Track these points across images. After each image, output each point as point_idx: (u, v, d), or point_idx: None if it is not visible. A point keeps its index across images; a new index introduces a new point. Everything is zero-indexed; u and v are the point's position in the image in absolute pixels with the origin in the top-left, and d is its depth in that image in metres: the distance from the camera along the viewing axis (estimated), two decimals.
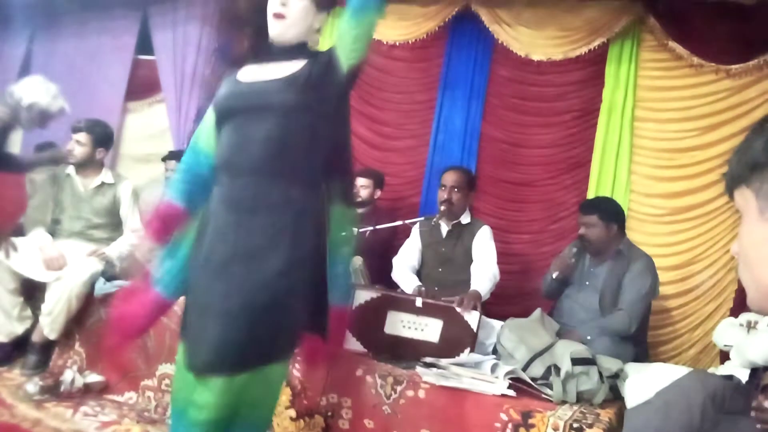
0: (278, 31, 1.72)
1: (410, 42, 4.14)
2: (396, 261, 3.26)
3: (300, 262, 1.65)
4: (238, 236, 1.64)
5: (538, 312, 2.69)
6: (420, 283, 3.06)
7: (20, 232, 3.26)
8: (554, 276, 3.00)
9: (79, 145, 3.28)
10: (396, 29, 4.17)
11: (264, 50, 1.75)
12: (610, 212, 2.98)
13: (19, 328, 3.06)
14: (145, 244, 1.83)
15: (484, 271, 2.98)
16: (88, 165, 3.32)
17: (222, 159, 1.74)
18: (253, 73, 1.73)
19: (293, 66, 1.67)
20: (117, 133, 5.02)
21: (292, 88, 1.63)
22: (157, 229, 1.81)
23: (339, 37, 1.66)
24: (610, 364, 2.36)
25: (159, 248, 1.80)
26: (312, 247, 1.69)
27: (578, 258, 3.01)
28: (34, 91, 3.27)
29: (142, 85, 5.15)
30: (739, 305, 3.25)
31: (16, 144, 5.40)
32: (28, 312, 3.10)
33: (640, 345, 2.94)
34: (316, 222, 1.72)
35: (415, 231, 3.34)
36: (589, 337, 2.71)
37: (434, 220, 3.18)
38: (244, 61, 1.77)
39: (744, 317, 2.82)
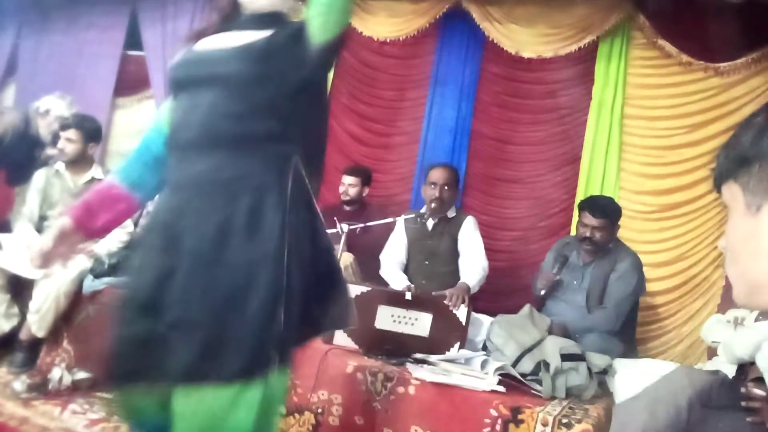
0: None
1: (401, 39, 4.13)
2: (383, 258, 3.26)
3: (259, 261, 1.31)
4: (177, 224, 1.35)
5: (527, 308, 2.70)
6: (409, 282, 3.07)
7: (7, 228, 3.23)
8: (541, 294, 2.99)
9: (69, 142, 3.26)
10: (387, 26, 4.17)
11: (234, 19, 1.50)
12: (617, 213, 2.97)
13: (6, 326, 3.03)
14: (66, 236, 1.43)
15: (473, 264, 3.00)
16: (79, 161, 3.29)
17: (168, 135, 1.47)
18: (210, 42, 1.49)
19: (256, 35, 1.43)
20: (106, 130, 4.97)
21: (246, 57, 1.39)
22: (80, 216, 1.44)
23: (310, 6, 1.40)
24: (598, 360, 2.38)
25: (85, 243, 1.51)
26: (277, 240, 1.33)
27: (564, 261, 3.00)
28: (50, 100, 3.32)
29: (131, 81, 5.11)
30: (727, 301, 3.27)
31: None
32: (15, 309, 3.07)
33: (628, 341, 2.97)
34: (282, 212, 1.36)
35: (400, 226, 3.33)
36: (576, 335, 2.73)
37: (425, 216, 3.18)
38: (209, 31, 1.52)
39: (731, 314, 2.84)
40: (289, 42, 1.41)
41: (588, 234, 2.90)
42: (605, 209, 2.93)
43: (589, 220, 2.90)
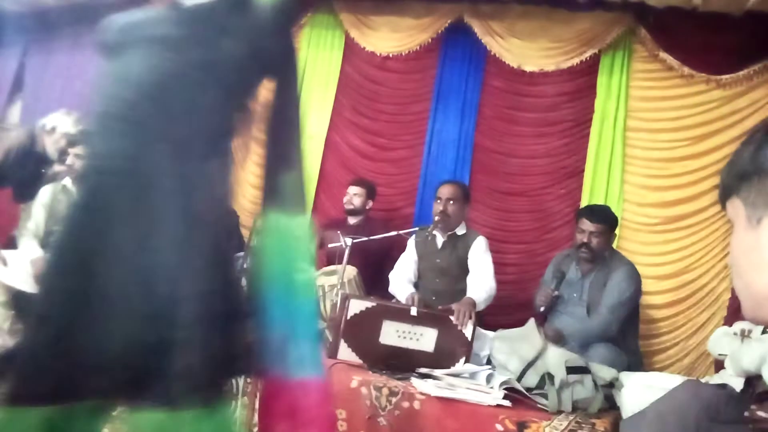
0: None
1: (403, 54, 4.16)
2: (392, 275, 3.26)
3: (183, 272, 1.13)
4: (86, 220, 1.18)
5: (531, 322, 2.70)
6: (414, 290, 3.07)
7: (12, 244, 3.24)
8: (541, 310, 3.00)
9: (78, 158, 3.27)
10: (389, 41, 4.20)
11: None
12: (613, 220, 3.04)
13: (10, 342, 3.03)
14: None
15: (481, 283, 2.99)
16: None
17: (94, 102, 1.28)
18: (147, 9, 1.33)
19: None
20: None
21: (183, 18, 1.23)
22: None
23: None
24: (604, 372, 2.36)
25: None
26: (199, 250, 1.14)
27: (562, 276, 3.02)
28: (56, 117, 3.35)
29: None
30: (734, 314, 3.26)
31: None
32: (19, 325, 3.07)
33: (633, 353, 2.96)
34: (214, 210, 1.20)
35: (411, 243, 3.34)
36: (580, 346, 2.73)
37: (429, 230, 3.18)
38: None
39: (738, 326, 2.82)
40: (239, 5, 1.25)
41: (585, 239, 2.94)
42: (602, 214, 3.00)
43: (587, 225, 2.95)
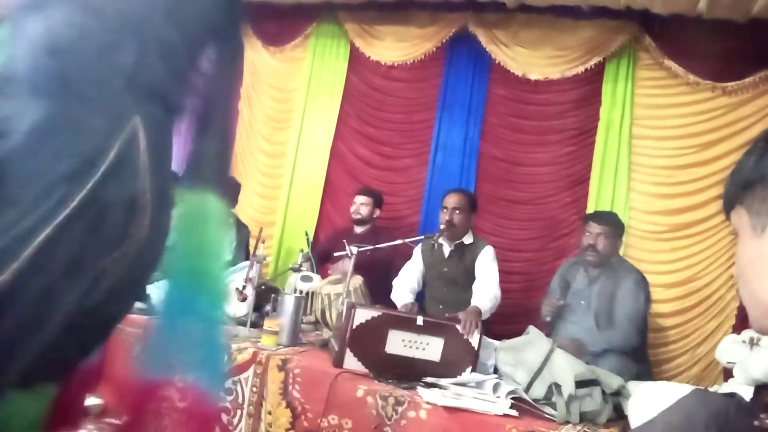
0: None
1: (408, 63, 4.18)
2: (396, 282, 3.26)
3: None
4: None
5: (533, 328, 2.69)
6: (412, 300, 3.06)
7: None
8: (547, 320, 3.01)
9: None
10: (394, 50, 4.21)
11: None
12: (620, 225, 3.06)
13: None
14: None
15: (485, 290, 2.99)
16: None
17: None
18: None
19: None
20: None
21: None
22: None
23: None
24: (611, 380, 2.35)
25: None
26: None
27: (567, 286, 3.02)
28: None
29: None
30: (742, 321, 3.24)
31: None
32: None
33: (643, 362, 2.94)
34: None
35: (417, 252, 3.35)
36: (592, 349, 2.73)
37: (435, 239, 3.18)
38: None
39: (746, 334, 2.80)
40: None
41: (592, 241, 2.95)
42: (608, 217, 3.05)
43: (593, 228, 2.97)
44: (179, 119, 1.10)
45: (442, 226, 3.18)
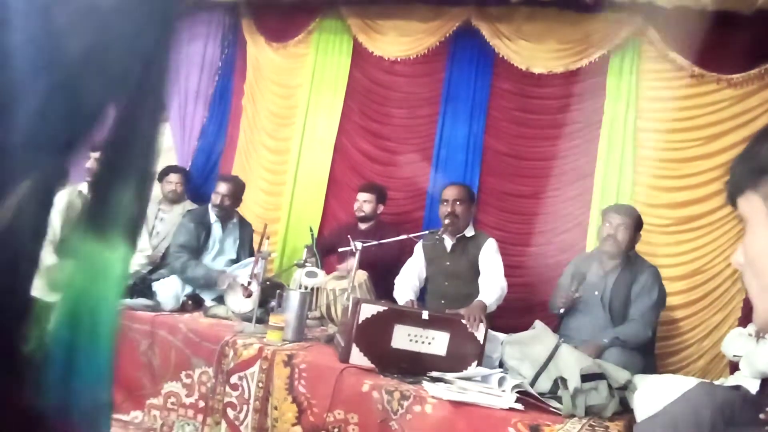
0: None
1: (411, 57, 4.16)
2: (397, 280, 3.27)
3: None
4: None
5: (539, 323, 2.70)
6: (412, 298, 3.07)
7: None
8: (560, 311, 3.01)
9: (97, 162, 3.29)
10: (397, 45, 4.20)
11: None
12: (638, 220, 3.06)
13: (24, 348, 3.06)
14: None
15: (492, 283, 2.99)
16: None
17: None
18: None
19: None
20: None
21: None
22: None
23: None
24: (618, 374, 2.35)
25: None
26: None
27: (583, 278, 3.01)
28: None
29: None
30: (748, 315, 3.22)
31: None
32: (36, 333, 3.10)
33: (649, 355, 2.96)
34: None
35: (418, 248, 3.35)
36: (606, 340, 2.74)
37: (438, 234, 3.19)
38: None
39: (752, 327, 2.80)
40: None
41: (612, 231, 2.96)
42: (628, 210, 3.06)
43: (614, 218, 2.98)
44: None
45: (446, 221, 3.17)
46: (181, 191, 4.17)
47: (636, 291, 2.91)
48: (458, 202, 3.19)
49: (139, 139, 0.94)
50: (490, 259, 3.14)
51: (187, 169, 4.55)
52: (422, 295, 3.32)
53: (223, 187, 3.67)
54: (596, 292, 2.98)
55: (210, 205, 3.70)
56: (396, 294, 3.20)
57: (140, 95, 0.90)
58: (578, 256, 3.26)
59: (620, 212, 3.01)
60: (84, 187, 3.34)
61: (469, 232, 3.25)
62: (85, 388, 0.88)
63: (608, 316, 2.92)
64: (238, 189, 3.77)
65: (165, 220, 4.05)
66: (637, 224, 3.02)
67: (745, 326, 2.90)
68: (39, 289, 0.83)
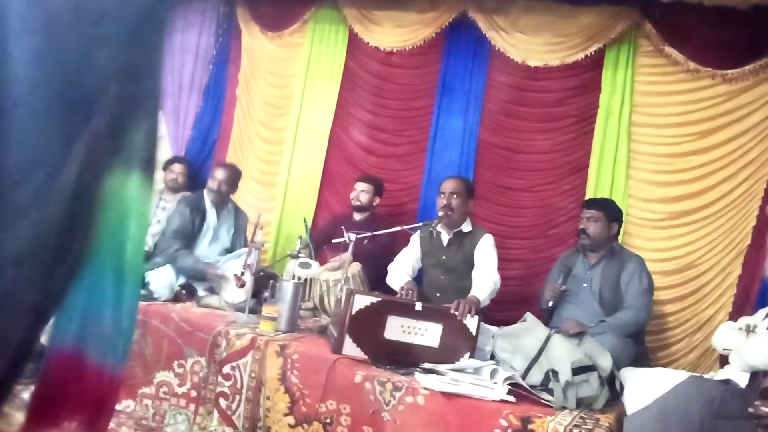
0: None
1: (407, 49, 4.15)
2: (391, 267, 3.27)
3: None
4: None
5: (530, 315, 2.71)
6: (409, 279, 3.08)
7: None
8: (549, 305, 3.07)
9: None
10: (393, 36, 4.18)
11: None
12: (614, 211, 3.12)
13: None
14: None
15: (485, 277, 3.00)
16: None
17: None
18: None
19: None
20: None
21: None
22: None
23: None
24: (600, 359, 2.37)
25: None
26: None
27: (568, 272, 3.09)
28: None
29: None
30: (739, 309, 3.25)
31: None
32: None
33: (641, 344, 3.03)
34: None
35: (415, 238, 3.35)
36: (593, 325, 2.79)
37: (433, 225, 3.19)
38: None
39: (743, 321, 2.82)
40: None
41: (583, 226, 3.06)
42: (599, 202, 3.16)
43: (584, 212, 3.09)
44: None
45: (440, 213, 3.17)
46: (183, 181, 4.22)
47: (625, 280, 2.99)
48: (454, 195, 3.19)
49: (146, 82, 1.04)
50: (485, 253, 3.15)
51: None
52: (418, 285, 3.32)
53: (220, 173, 3.69)
54: (584, 284, 3.06)
55: (206, 191, 3.71)
56: (389, 280, 3.20)
57: (146, 50, 0.99)
58: (565, 252, 3.33)
59: (590, 206, 3.12)
60: None
61: (467, 227, 3.25)
62: (109, 315, 1.02)
63: (599, 307, 2.97)
64: (235, 176, 3.79)
65: (167, 209, 4.06)
66: (612, 216, 3.09)
67: (735, 320, 2.92)
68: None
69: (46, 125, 0.92)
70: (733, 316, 3.18)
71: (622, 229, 3.31)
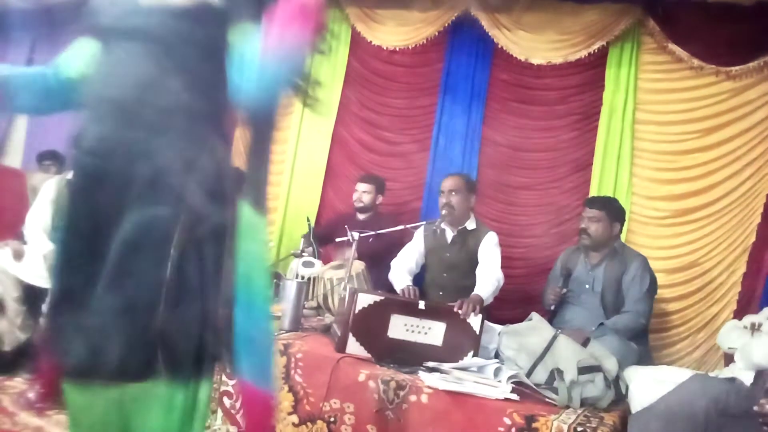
0: None
1: (410, 47, 4.14)
2: (394, 263, 3.26)
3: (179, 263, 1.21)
4: (97, 211, 1.26)
5: (535, 315, 2.70)
6: (410, 283, 3.07)
7: (20, 240, 3.26)
8: (551, 308, 3.06)
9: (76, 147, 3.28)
10: (396, 35, 4.18)
11: None
12: (616, 210, 3.08)
13: (22, 336, 3.06)
14: None
15: (488, 274, 2.99)
16: None
17: (87, 85, 1.34)
18: None
19: None
20: None
21: (180, 15, 1.27)
22: None
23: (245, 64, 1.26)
24: (606, 361, 2.36)
25: None
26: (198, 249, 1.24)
27: (568, 274, 3.07)
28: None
29: None
30: (744, 307, 3.24)
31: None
32: (31, 321, 3.10)
33: (644, 344, 3.00)
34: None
35: (419, 235, 3.34)
36: (593, 328, 2.78)
37: (436, 224, 3.18)
38: None
39: (748, 319, 2.81)
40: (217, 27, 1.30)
41: (584, 225, 3.02)
42: (601, 201, 3.10)
43: (586, 212, 3.05)
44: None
45: (443, 212, 3.18)
46: None
47: (627, 281, 2.95)
48: (453, 193, 3.19)
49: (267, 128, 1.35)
50: (488, 251, 3.14)
51: None
52: (420, 284, 3.32)
53: None
54: (587, 285, 3.03)
55: None
56: (392, 276, 3.19)
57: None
58: (566, 250, 3.28)
59: (592, 205, 3.06)
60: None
61: (471, 224, 3.24)
62: (258, 325, 1.26)
63: (601, 308, 2.95)
64: (237, 177, 3.77)
65: None
66: (614, 215, 3.05)
67: (740, 319, 2.91)
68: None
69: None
70: (738, 314, 3.16)
71: (625, 227, 3.30)
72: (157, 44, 1.27)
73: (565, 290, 3.03)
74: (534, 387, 2.34)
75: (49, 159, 4.42)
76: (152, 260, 1.20)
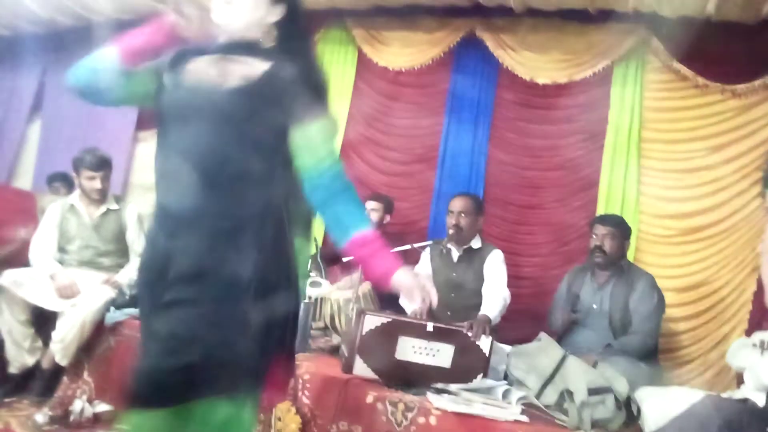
0: (225, 17, 1.45)
1: (416, 68, 4.18)
2: None
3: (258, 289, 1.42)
4: (175, 257, 1.43)
5: (544, 335, 2.68)
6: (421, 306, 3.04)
7: (26, 263, 3.26)
8: (561, 333, 3.04)
9: (100, 181, 3.31)
10: (401, 56, 4.22)
11: (210, 41, 1.51)
12: (626, 228, 3.09)
13: (30, 360, 3.06)
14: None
15: (494, 293, 2.98)
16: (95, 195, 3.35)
17: (159, 159, 1.54)
18: (201, 69, 1.49)
19: (250, 68, 1.46)
20: (128, 163, 5.07)
21: (249, 95, 1.44)
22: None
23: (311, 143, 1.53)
24: (616, 382, 2.33)
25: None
26: (269, 275, 1.46)
27: (576, 299, 3.05)
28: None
29: (151, 115, 5.19)
30: (755, 326, 3.20)
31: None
32: (39, 343, 3.10)
33: (654, 365, 2.95)
34: (278, 247, 1.53)
35: (426, 256, 3.34)
36: (599, 354, 2.72)
37: (443, 244, 3.18)
38: (187, 52, 1.52)
39: (757, 336, 2.77)
40: (287, 86, 1.48)
41: (599, 242, 3.00)
42: (614, 219, 3.11)
43: (599, 230, 3.03)
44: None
45: (450, 231, 3.17)
46: None
47: (635, 300, 2.92)
48: (463, 214, 3.18)
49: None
50: (494, 268, 3.13)
51: None
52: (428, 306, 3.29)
53: None
54: (594, 306, 2.99)
55: None
56: (403, 301, 3.18)
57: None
58: (572, 270, 3.25)
59: (605, 222, 3.06)
60: (75, 201, 3.35)
61: (476, 243, 3.24)
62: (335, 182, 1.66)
63: (609, 328, 2.92)
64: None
65: None
66: (624, 233, 3.05)
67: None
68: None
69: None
70: (749, 334, 3.13)
71: (633, 246, 3.29)
72: (226, 124, 1.45)
73: (575, 315, 3.00)
74: (544, 408, 2.31)
75: (59, 181, 4.47)
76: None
